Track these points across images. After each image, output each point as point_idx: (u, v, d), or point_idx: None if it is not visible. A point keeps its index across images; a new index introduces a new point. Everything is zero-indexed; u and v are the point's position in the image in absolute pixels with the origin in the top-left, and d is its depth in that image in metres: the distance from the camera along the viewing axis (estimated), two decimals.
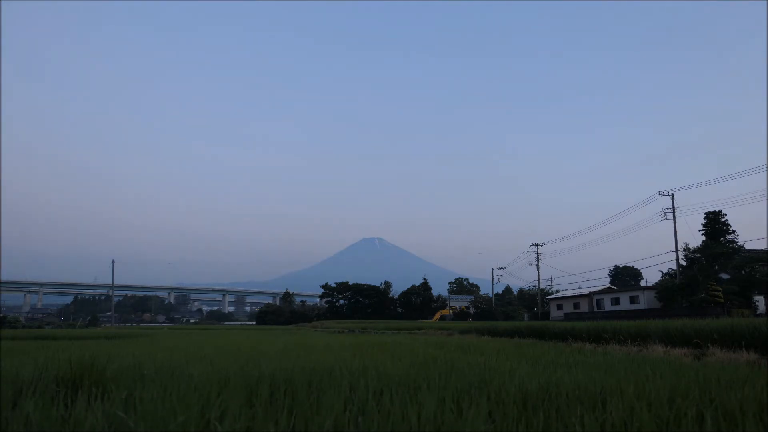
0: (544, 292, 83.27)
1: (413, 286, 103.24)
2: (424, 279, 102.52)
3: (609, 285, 75.53)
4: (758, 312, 41.31)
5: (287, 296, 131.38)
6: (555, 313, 69.10)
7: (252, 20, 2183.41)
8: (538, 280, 76.37)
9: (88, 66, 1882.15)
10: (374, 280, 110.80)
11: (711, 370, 6.11)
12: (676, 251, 50.44)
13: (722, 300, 41.38)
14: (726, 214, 52.85)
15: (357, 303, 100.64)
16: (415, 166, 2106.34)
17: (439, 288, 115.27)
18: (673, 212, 50.29)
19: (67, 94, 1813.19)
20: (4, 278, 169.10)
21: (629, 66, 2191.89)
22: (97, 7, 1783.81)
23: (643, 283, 79.52)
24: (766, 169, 42.37)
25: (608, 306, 58.71)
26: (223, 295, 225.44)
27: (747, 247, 51.19)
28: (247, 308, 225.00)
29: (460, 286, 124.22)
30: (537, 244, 74.22)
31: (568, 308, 66.81)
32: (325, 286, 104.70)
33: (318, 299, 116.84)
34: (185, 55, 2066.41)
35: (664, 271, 65.51)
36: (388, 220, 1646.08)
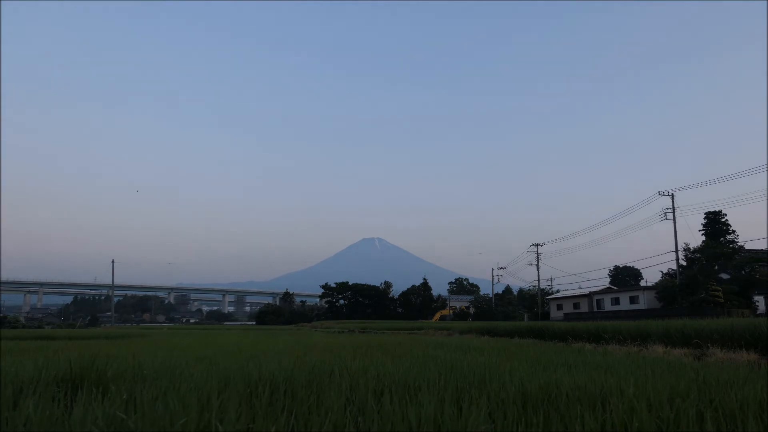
0: (544, 292, 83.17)
1: (413, 286, 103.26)
2: (424, 279, 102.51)
3: (609, 285, 75.43)
4: (758, 312, 41.25)
5: (287, 296, 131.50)
6: (555, 313, 69.06)
7: (262, 18, 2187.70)
8: (538, 280, 76.36)
9: (88, 64, 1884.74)
10: (374, 280, 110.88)
11: (711, 370, 6.11)
12: (676, 251, 50.42)
13: (722, 300, 41.36)
14: (726, 214, 52.93)
15: (357, 303, 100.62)
16: (415, 165, 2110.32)
17: (439, 288, 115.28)
18: (673, 212, 50.27)
19: (67, 92, 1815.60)
20: (4, 278, 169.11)
21: (628, 65, 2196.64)
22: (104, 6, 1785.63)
23: (643, 283, 79.38)
24: (766, 169, 42.32)
25: (608, 306, 58.65)
26: (223, 295, 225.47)
27: (747, 247, 51.27)
28: (247, 308, 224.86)
29: (460, 286, 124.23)
30: (537, 244, 74.12)
31: (568, 308, 66.77)
32: (325, 286, 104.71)
33: (318, 299, 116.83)
34: (185, 51, 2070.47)
35: (664, 271, 65.46)
36: (388, 220, 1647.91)
